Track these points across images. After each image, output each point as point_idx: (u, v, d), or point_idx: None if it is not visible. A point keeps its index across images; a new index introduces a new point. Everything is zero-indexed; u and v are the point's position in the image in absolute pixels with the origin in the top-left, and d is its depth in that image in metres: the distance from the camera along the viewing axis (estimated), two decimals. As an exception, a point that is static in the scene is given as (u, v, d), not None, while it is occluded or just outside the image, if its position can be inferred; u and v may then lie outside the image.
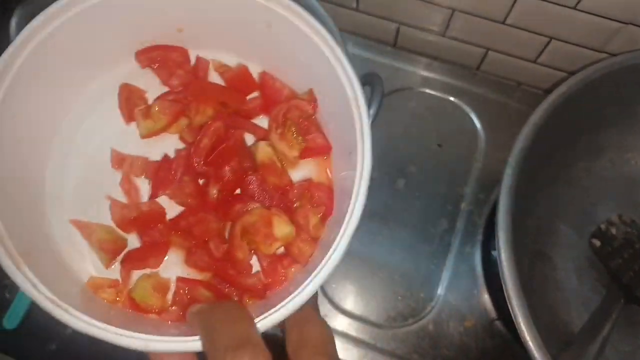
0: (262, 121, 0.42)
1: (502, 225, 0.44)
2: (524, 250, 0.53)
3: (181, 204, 0.40)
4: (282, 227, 0.38)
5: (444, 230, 0.59)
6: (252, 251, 0.39)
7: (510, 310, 0.43)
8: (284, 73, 0.42)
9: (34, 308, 0.60)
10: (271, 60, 0.42)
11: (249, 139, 0.42)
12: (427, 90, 0.65)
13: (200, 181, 0.40)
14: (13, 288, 0.60)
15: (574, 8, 0.51)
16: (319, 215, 0.38)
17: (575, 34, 0.55)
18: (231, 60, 0.43)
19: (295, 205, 0.39)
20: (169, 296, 0.38)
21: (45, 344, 0.57)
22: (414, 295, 0.57)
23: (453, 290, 0.57)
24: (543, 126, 0.46)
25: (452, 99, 0.64)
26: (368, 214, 0.59)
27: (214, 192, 0.39)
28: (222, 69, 0.43)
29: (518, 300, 0.43)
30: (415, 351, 0.55)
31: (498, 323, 0.56)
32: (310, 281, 0.32)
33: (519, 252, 0.45)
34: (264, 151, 0.40)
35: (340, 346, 0.55)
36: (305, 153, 0.41)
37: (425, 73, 0.66)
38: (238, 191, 0.40)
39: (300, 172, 0.41)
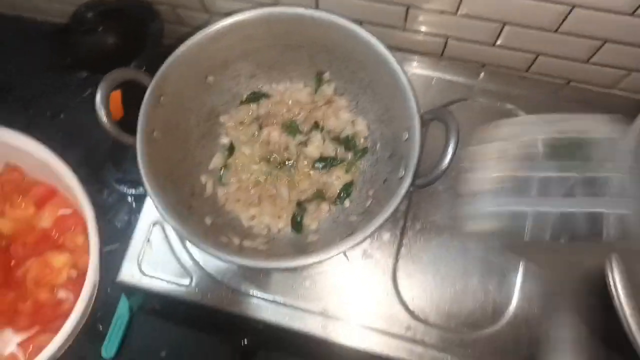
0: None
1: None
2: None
3: None
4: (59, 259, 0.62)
5: (512, 236, 0.61)
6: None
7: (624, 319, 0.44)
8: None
9: (128, 337, 0.65)
10: None
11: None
12: (480, 99, 0.66)
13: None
14: (105, 320, 0.65)
15: (632, 15, 0.52)
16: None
17: (631, 35, 0.55)
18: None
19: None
20: None
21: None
22: (490, 301, 0.59)
23: (527, 294, 0.59)
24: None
25: (504, 104, 0.66)
26: (437, 229, 0.63)
27: None
28: None
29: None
30: (498, 352, 0.58)
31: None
32: None
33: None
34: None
35: (429, 356, 0.58)
36: (39, 205, 0.65)
37: (474, 82, 0.67)
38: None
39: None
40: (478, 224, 0.51)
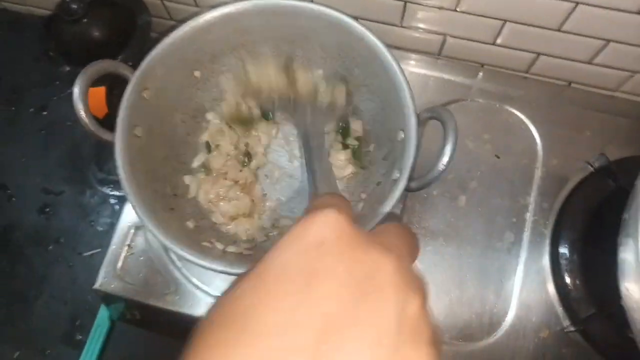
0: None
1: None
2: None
3: None
4: None
5: (511, 243, 0.59)
6: None
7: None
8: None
9: (108, 347, 0.62)
10: None
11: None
12: (479, 100, 0.64)
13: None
14: (85, 329, 0.63)
15: (638, 13, 0.49)
16: None
17: (637, 35, 0.53)
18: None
19: None
20: None
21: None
22: (487, 311, 0.57)
23: (525, 302, 0.57)
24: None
25: (503, 105, 0.63)
26: (431, 234, 0.60)
27: None
28: None
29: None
30: (493, 366, 0.56)
31: (572, 332, 0.56)
32: None
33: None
34: None
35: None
36: None
37: (473, 82, 0.65)
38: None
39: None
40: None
